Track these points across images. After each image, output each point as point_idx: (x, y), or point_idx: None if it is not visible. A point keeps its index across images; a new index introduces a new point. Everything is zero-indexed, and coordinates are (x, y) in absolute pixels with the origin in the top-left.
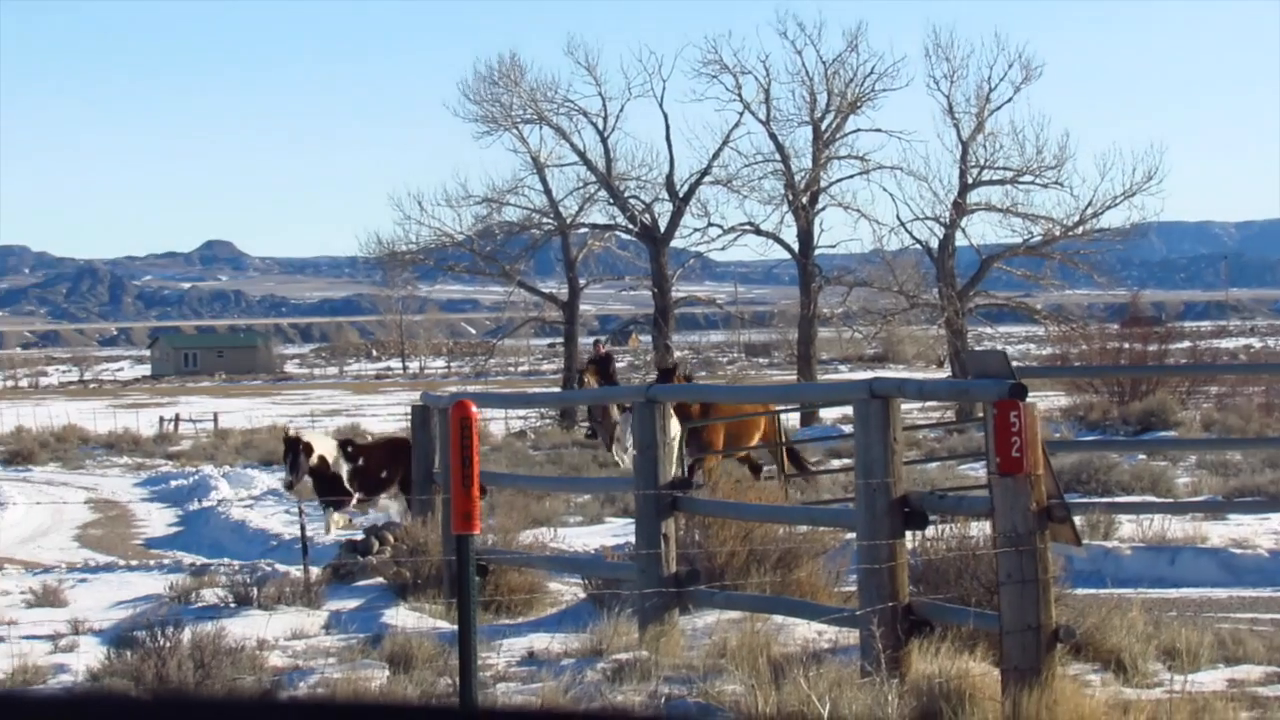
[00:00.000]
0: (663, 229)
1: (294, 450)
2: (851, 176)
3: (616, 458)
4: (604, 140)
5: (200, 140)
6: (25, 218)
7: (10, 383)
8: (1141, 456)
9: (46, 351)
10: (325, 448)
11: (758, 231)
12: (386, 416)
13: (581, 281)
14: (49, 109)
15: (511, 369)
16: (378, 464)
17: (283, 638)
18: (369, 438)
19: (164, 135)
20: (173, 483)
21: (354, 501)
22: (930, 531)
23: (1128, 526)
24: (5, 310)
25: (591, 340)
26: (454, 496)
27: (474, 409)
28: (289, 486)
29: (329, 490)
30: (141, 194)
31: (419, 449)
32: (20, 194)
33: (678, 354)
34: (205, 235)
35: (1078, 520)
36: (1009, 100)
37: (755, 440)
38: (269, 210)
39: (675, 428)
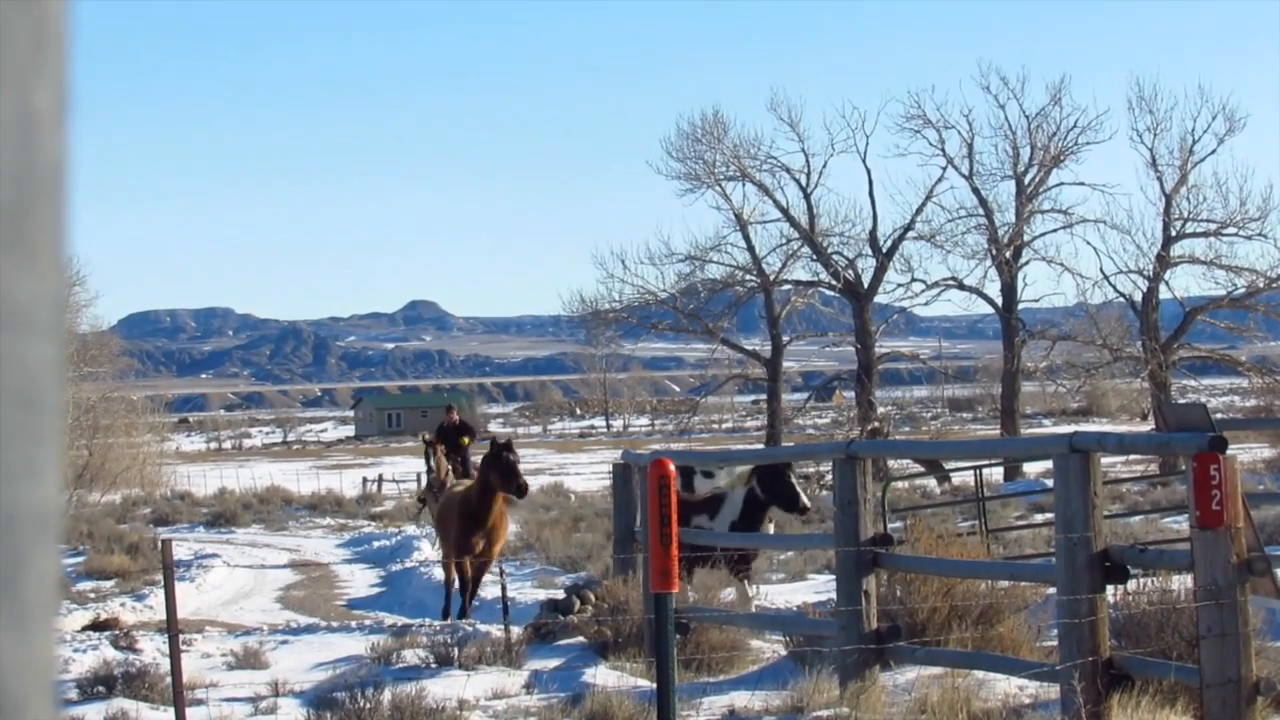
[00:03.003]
0: (866, 285)
1: None
2: (1055, 230)
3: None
4: (807, 196)
5: (403, 201)
6: (229, 280)
7: (214, 445)
8: None
9: (250, 413)
10: None
11: (961, 286)
12: (590, 475)
13: (785, 338)
14: (251, 170)
15: (715, 426)
16: None
17: (483, 698)
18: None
19: (367, 196)
20: (375, 543)
21: None
22: (1131, 585)
23: None
24: (209, 372)
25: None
26: (652, 555)
27: (672, 468)
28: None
29: None
30: (345, 255)
31: (620, 507)
32: (224, 256)
33: (881, 409)
34: (409, 295)
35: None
36: (1212, 152)
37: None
38: (472, 270)
39: None
